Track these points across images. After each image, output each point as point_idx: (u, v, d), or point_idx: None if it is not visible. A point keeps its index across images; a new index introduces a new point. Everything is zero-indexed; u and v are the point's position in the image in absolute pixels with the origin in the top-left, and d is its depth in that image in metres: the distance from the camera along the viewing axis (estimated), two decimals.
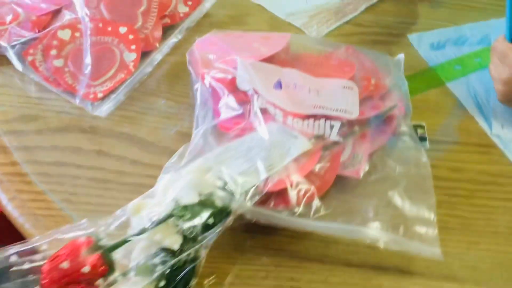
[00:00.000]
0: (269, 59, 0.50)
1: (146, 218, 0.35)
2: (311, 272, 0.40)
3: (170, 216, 0.35)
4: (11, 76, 0.54)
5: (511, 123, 0.52)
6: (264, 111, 0.43)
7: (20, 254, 0.33)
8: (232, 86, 0.46)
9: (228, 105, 0.45)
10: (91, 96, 0.52)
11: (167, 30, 0.60)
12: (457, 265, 0.41)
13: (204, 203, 0.37)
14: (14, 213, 0.44)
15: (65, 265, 0.30)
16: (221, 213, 0.37)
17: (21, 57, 0.54)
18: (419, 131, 0.51)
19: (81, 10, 0.57)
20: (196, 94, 0.47)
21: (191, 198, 0.36)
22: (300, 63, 0.51)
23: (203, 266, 0.39)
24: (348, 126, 0.46)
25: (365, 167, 0.44)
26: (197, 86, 0.47)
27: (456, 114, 0.54)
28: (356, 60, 0.52)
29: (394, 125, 0.49)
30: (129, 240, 0.34)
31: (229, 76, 0.46)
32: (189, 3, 0.63)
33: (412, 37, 0.62)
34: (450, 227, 0.44)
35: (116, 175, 0.46)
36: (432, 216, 0.40)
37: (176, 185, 0.38)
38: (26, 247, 0.33)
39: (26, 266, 0.32)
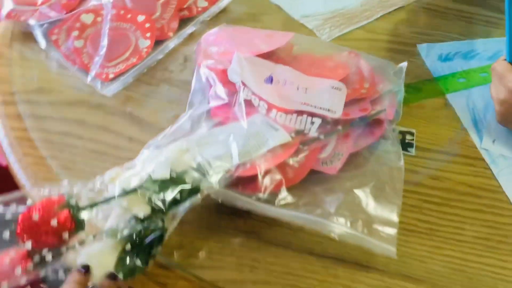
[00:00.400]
0: (269, 56, 0.52)
1: (119, 186, 0.38)
2: (274, 255, 0.43)
3: (140, 187, 0.38)
4: (35, 52, 0.59)
5: (503, 139, 0.52)
6: (248, 102, 0.46)
7: (5, 204, 0.37)
8: (224, 76, 0.49)
9: (217, 94, 0.48)
10: (103, 76, 0.56)
11: (184, 22, 0.63)
12: (417, 266, 0.43)
13: (175, 180, 0.40)
14: (18, 173, 0.48)
15: (36, 216, 0.34)
16: (189, 191, 0.40)
17: (46, 36, 0.59)
18: (408, 137, 0.53)
19: None
20: (192, 82, 0.51)
21: (164, 174, 0.40)
22: (298, 62, 0.53)
23: (176, 239, 0.43)
24: (332, 124, 0.48)
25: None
26: (194, 74, 0.51)
27: (449, 125, 0.54)
28: (353, 64, 0.54)
29: (382, 129, 0.50)
30: (96, 204, 0.37)
31: (222, 67, 0.49)
32: None
33: (421, 47, 0.63)
34: (417, 230, 0.45)
35: (113, 149, 0.50)
36: (394, 217, 0.42)
37: (154, 160, 0.41)
38: (11, 198, 0.37)
39: (9, 215, 0.36)
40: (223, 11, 0.66)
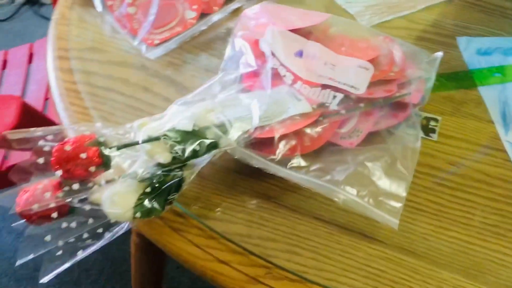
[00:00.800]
0: (303, 33, 0.55)
1: (145, 133, 0.42)
2: (283, 217, 0.45)
3: (163, 135, 0.42)
4: (92, 15, 0.65)
5: None
6: (275, 72, 0.49)
7: (46, 138, 0.41)
8: (256, 46, 0.51)
9: (247, 62, 0.50)
10: (149, 41, 0.60)
11: None
12: (419, 243, 0.44)
13: (196, 133, 0.43)
14: (64, 120, 0.53)
15: (68, 148, 0.39)
16: (208, 145, 0.43)
17: (103, 1, 0.64)
18: (432, 123, 0.53)
19: None
20: (227, 49, 0.54)
21: (187, 126, 0.43)
22: (330, 41, 0.55)
23: (194, 191, 0.46)
24: (355, 101, 0.49)
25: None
26: (229, 43, 0.54)
27: (476, 116, 0.55)
28: (385, 48, 0.55)
29: (405, 113, 0.51)
30: (122, 146, 0.41)
31: (255, 38, 0.52)
32: None
33: (461, 40, 0.63)
34: (426, 210, 0.46)
35: (149, 107, 0.54)
36: (402, 191, 0.43)
37: (180, 114, 0.45)
38: (51, 132, 0.42)
39: (47, 147, 0.41)
40: None
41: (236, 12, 0.65)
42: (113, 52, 0.60)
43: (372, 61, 0.52)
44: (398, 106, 0.52)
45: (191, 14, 0.63)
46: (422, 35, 0.64)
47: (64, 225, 0.41)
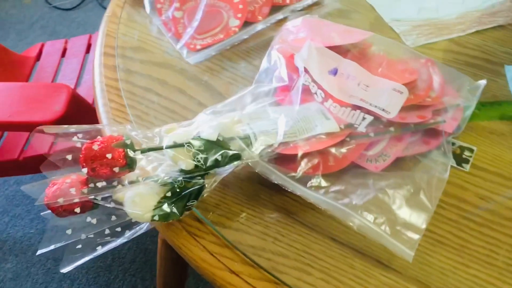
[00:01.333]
0: (341, 51, 0.54)
1: (170, 139, 0.43)
2: (298, 233, 0.45)
3: (187, 143, 0.43)
4: (141, 16, 0.67)
5: None
6: (306, 88, 0.49)
7: (78, 136, 0.44)
8: (290, 60, 0.52)
9: (280, 75, 0.51)
10: (191, 46, 0.62)
11: (276, 8, 0.67)
12: (436, 277, 0.42)
13: (220, 143, 0.44)
14: (102, 115, 0.56)
15: (96, 147, 0.41)
16: (231, 157, 0.44)
17: (153, 4, 0.67)
18: (466, 153, 0.52)
19: None
20: (262, 61, 0.54)
21: (211, 135, 0.44)
22: (368, 60, 0.54)
23: (215, 198, 0.47)
24: (385, 125, 0.49)
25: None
26: (266, 55, 0.54)
27: None
28: (425, 71, 0.54)
29: (439, 140, 0.50)
30: (147, 150, 0.43)
31: (291, 52, 0.52)
32: None
33: (509, 68, 0.61)
34: (447, 244, 0.44)
35: (182, 110, 0.55)
36: (421, 223, 0.42)
37: (208, 123, 0.46)
38: (84, 130, 0.44)
39: (79, 144, 0.43)
40: (316, 3, 0.69)
41: (280, 23, 0.66)
42: (156, 53, 0.62)
43: (408, 84, 0.51)
44: (431, 133, 0.51)
45: (234, 22, 0.64)
46: (468, 60, 0.62)
47: (88, 219, 0.43)
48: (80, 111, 0.89)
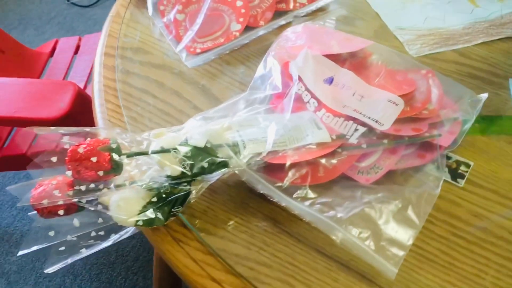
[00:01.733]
0: (339, 59, 0.54)
1: (158, 144, 0.43)
2: (284, 244, 0.45)
3: (174, 148, 0.43)
4: (144, 17, 0.67)
5: None
6: (299, 97, 0.48)
7: (67, 137, 0.44)
8: (286, 68, 0.51)
9: (275, 83, 0.50)
10: (191, 49, 0.62)
11: (279, 14, 0.67)
12: None
13: (208, 150, 0.43)
14: (98, 115, 0.56)
15: (81, 150, 0.41)
16: (218, 164, 0.43)
17: (156, 5, 0.67)
18: (462, 168, 0.51)
19: None
20: (258, 68, 0.54)
21: (199, 142, 0.44)
22: (366, 70, 0.53)
23: (202, 204, 0.47)
24: (379, 137, 0.48)
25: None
26: (262, 61, 0.54)
27: None
28: (423, 83, 0.53)
29: (434, 154, 0.49)
30: (134, 154, 0.43)
31: (288, 59, 0.51)
32: None
33: None
34: (435, 261, 0.43)
35: (177, 113, 0.55)
36: (407, 239, 0.41)
37: (197, 129, 0.46)
38: (73, 132, 0.44)
39: (67, 146, 0.43)
40: (320, 9, 0.68)
41: (282, 28, 0.65)
42: (155, 55, 0.62)
43: (404, 96, 0.50)
44: (426, 146, 0.50)
45: (236, 27, 0.64)
46: (472, 72, 0.61)
47: (74, 221, 0.43)
48: (85, 108, 0.90)
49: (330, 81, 0.51)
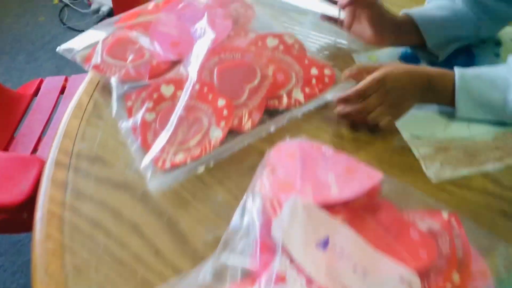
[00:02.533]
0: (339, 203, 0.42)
1: None
2: None
3: None
4: (108, 111, 0.56)
5: None
6: (280, 279, 0.36)
7: None
8: (267, 228, 0.39)
9: (251, 248, 0.39)
10: (160, 162, 0.50)
11: (271, 113, 0.55)
12: None
13: None
14: (36, 260, 0.44)
15: None
16: None
17: (122, 100, 0.56)
18: None
19: (193, 70, 0.56)
20: (236, 210, 0.43)
21: None
22: (373, 215, 0.42)
23: None
24: None
25: None
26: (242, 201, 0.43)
27: None
28: (446, 240, 0.41)
29: None
30: None
31: (271, 211, 0.40)
32: (307, 90, 0.57)
33: None
34: None
35: (134, 261, 0.44)
36: None
37: None
38: None
39: None
40: (324, 107, 0.57)
41: (272, 136, 0.53)
42: (116, 169, 0.51)
43: (422, 268, 0.38)
44: None
45: (216, 132, 0.52)
46: (505, 209, 0.48)
47: None
48: None
49: (325, 244, 0.39)
